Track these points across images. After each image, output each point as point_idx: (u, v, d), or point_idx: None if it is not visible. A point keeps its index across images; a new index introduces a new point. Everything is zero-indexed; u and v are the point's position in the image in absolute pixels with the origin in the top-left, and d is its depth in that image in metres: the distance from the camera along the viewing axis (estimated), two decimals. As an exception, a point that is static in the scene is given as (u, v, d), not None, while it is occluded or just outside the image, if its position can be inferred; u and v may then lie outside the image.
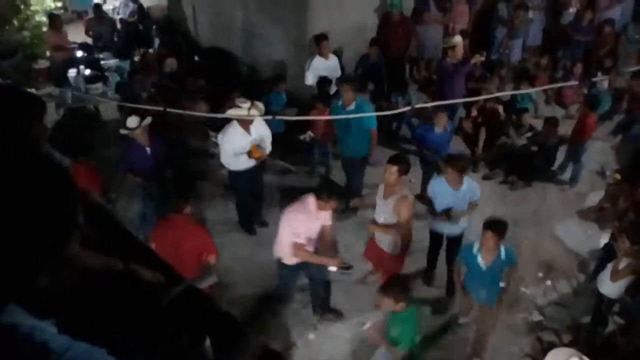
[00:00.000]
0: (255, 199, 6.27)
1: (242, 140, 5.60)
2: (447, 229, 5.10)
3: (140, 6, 10.58)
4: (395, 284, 3.82)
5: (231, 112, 5.51)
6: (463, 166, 4.90)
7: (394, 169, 4.62)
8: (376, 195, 4.92)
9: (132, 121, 5.50)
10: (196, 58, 8.82)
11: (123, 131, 5.55)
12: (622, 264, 4.52)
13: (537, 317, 5.41)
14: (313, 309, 5.18)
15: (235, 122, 5.56)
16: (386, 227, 4.77)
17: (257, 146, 5.64)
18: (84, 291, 1.38)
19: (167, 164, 5.97)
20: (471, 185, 4.98)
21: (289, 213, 4.45)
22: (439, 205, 4.96)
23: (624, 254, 4.49)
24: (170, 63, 8.14)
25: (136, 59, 9.01)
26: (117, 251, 1.69)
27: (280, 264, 4.73)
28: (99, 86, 8.47)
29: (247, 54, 8.68)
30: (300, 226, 4.41)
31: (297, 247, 4.44)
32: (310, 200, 4.38)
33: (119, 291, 1.51)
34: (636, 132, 7.52)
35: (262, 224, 6.35)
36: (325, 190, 4.36)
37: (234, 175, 5.89)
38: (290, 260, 4.61)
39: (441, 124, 6.22)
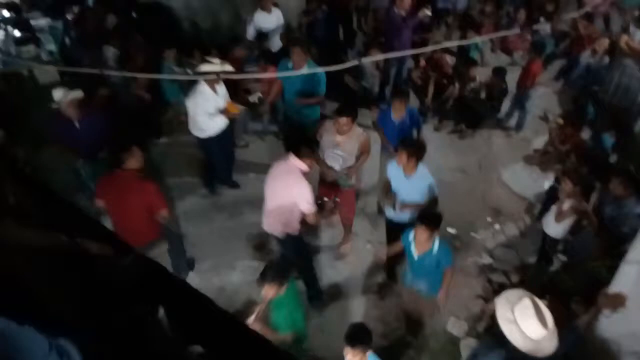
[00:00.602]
0: (227, 160, 6.14)
1: (215, 100, 5.42)
2: (394, 215, 4.75)
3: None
4: (271, 270, 3.62)
5: (205, 69, 5.29)
6: (416, 152, 4.45)
7: (345, 120, 4.62)
8: (327, 148, 4.87)
9: (58, 94, 5.05)
10: (134, 14, 8.36)
11: (53, 104, 5.10)
12: (566, 205, 4.73)
13: (487, 259, 5.63)
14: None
15: (203, 83, 5.34)
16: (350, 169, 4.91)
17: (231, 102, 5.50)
18: (26, 269, 1.31)
19: (101, 143, 5.38)
20: (426, 176, 4.48)
21: (297, 185, 4.22)
22: (393, 189, 4.65)
23: (566, 195, 4.68)
24: (110, 20, 7.69)
25: (69, 17, 8.45)
26: (59, 225, 1.61)
27: (288, 237, 4.55)
28: (30, 48, 7.95)
29: (187, 7, 8.31)
30: (310, 192, 4.27)
31: (315, 213, 4.38)
32: (294, 162, 4.27)
33: (64, 266, 1.44)
34: (576, 77, 7.75)
35: (233, 185, 6.28)
36: (303, 145, 4.28)
37: (207, 140, 5.62)
38: (297, 229, 4.50)
39: (398, 113, 5.46)
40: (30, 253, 1.33)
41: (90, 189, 5.48)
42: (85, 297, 1.43)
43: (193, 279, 5.16)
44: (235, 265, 5.41)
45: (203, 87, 5.36)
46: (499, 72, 7.20)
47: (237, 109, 5.55)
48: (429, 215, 4.06)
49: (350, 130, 4.76)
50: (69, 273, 1.42)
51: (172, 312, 1.49)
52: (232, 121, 5.83)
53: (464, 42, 6.27)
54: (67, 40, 7.77)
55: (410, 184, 4.48)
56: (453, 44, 6.80)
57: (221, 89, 5.51)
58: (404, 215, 4.60)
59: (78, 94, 5.15)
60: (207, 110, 5.39)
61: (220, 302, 1.64)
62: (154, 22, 8.10)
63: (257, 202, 4.76)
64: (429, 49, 5.51)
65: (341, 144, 4.82)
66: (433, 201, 4.54)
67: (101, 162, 5.40)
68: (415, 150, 4.45)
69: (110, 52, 6.85)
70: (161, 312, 1.45)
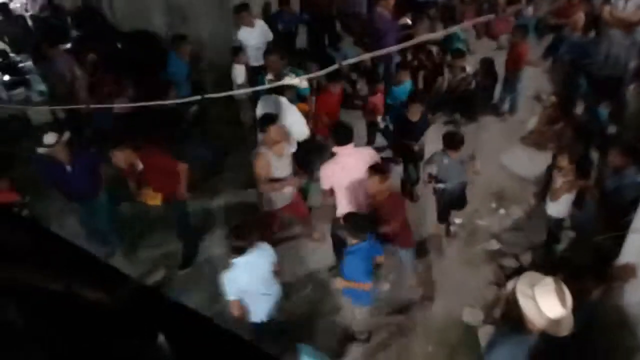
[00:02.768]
0: None
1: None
2: None
3: (50, -1, 9.98)
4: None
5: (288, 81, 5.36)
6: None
7: (274, 127, 4.80)
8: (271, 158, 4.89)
9: (50, 138, 4.97)
10: (119, 45, 8.42)
11: (41, 149, 5.00)
12: (558, 183, 4.69)
13: (495, 245, 5.62)
14: None
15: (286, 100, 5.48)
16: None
17: None
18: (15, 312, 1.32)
19: (93, 185, 5.35)
20: None
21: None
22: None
23: (560, 172, 4.65)
24: (91, 59, 7.64)
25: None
26: (55, 266, 1.62)
27: None
28: (20, 91, 8.01)
29: (172, 32, 8.36)
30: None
31: None
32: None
33: (58, 311, 1.45)
34: (564, 53, 7.72)
35: None
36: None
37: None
38: None
39: (415, 116, 5.81)
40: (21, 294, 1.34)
41: (88, 230, 5.59)
42: (79, 338, 1.43)
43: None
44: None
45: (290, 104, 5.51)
46: (486, 63, 7.22)
47: None
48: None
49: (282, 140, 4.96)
50: (59, 316, 1.43)
51: (173, 337, 1.49)
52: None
53: (445, 32, 6.26)
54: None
55: None
56: (436, 35, 6.80)
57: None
58: None
59: (65, 135, 5.08)
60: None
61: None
62: (140, 50, 8.17)
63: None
64: (409, 43, 5.52)
65: (280, 155, 4.97)
66: None
67: (95, 203, 5.44)
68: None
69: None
70: (161, 338, 1.45)
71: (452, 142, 5.01)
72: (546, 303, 2.81)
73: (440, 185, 5.26)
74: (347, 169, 4.57)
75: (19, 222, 1.78)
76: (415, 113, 5.77)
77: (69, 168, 5.10)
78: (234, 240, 3.82)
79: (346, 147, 4.58)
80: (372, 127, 6.86)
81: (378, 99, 6.64)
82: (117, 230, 5.85)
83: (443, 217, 5.63)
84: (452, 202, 5.49)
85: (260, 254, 3.93)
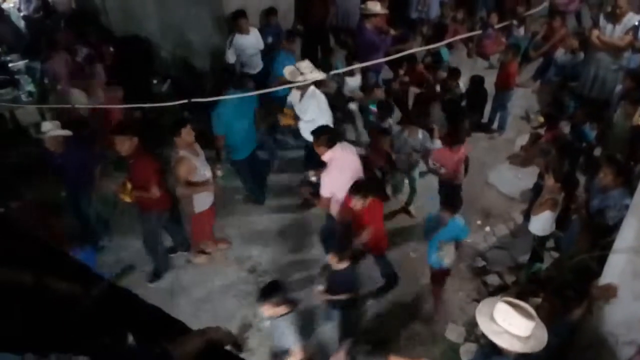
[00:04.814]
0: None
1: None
2: None
3: (44, 0, 9.94)
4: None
5: (311, 76, 5.46)
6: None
7: (186, 130, 4.87)
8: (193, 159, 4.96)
9: (45, 125, 5.21)
10: (111, 49, 8.39)
11: (39, 135, 5.28)
12: (544, 198, 4.73)
13: (480, 262, 5.62)
14: None
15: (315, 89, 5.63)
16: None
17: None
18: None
19: (83, 182, 5.45)
20: None
21: None
22: None
23: (548, 190, 4.69)
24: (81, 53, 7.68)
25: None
26: (26, 263, 1.58)
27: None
28: (9, 91, 7.94)
29: (165, 38, 8.36)
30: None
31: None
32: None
33: (29, 304, 1.42)
34: (552, 75, 7.84)
35: None
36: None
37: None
38: None
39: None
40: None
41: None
42: (51, 331, 1.40)
43: (185, 307, 5.10)
44: (228, 290, 5.38)
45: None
46: (476, 81, 7.28)
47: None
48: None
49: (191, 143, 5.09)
50: (30, 310, 1.40)
51: (143, 338, 1.47)
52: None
53: (432, 47, 6.31)
54: (45, 80, 7.75)
55: None
56: (423, 49, 6.88)
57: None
58: None
59: (64, 132, 5.21)
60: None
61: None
62: (132, 54, 8.16)
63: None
64: (395, 56, 5.60)
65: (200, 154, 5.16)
66: None
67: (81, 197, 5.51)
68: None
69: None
70: (130, 339, 1.42)
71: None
72: (515, 327, 2.81)
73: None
74: (346, 168, 4.72)
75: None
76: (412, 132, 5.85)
77: (59, 160, 5.23)
78: None
79: (335, 147, 4.69)
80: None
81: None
82: (102, 227, 5.90)
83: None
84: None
85: None
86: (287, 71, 5.58)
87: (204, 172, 5.01)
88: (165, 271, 5.53)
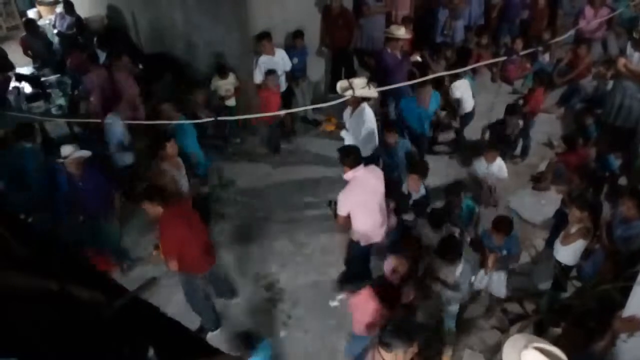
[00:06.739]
0: None
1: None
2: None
3: (78, 18, 10.28)
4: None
5: (363, 92, 5.49)
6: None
7: (170, 144, 5.20)
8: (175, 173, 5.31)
9: (65, 149, 5.08)
10: (140, 66, 8.62)
11: (59, 160, 5.12)
12: (573, 229, 4.66)
13: (500, 289, 5.52)
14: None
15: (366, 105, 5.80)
16: None
17: None
18: (12, 314, 1.33)
19: (103, 207, 5.43)
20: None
21: None
22: None
23: (576, 219, 4.62)
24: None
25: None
26: (51, 270, 1.62)
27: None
28: (40, 104, 8.18)
29: (191, 56, 8.56)
30: None
31: None
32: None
33: (52, 312, 1.45)
34: (577, 102, 7.78)
35: None
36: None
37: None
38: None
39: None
40: (15, 297, 1.34)
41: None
42: (73, 341, 1.43)
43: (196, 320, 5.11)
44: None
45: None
46: (513, 110, 6.96)
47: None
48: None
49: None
50: (57, 318, 1.43)
51: (163, 352, 1.49)
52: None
53: (456, 71, 6.31)
54: (75, 92, 8.01)
55: None
56: (447, 73, 6.90)
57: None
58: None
59: (84, 153, 5.15)
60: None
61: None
62: (160, 71, 8.37)
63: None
64: (417, 80, 5.63)
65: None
66: None
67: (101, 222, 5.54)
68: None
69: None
70: (151, 352, 1.45)
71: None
72: None
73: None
74: (368, 190, 4.75)
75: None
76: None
77: (80, 183, 5.19)
78: None
79: (358, 168, 4.69)
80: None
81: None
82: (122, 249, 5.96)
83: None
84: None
85: None
86: (340, 85, 5.56)
87: (183, 184, 5.33)
88: (215, 328, 5.11)
